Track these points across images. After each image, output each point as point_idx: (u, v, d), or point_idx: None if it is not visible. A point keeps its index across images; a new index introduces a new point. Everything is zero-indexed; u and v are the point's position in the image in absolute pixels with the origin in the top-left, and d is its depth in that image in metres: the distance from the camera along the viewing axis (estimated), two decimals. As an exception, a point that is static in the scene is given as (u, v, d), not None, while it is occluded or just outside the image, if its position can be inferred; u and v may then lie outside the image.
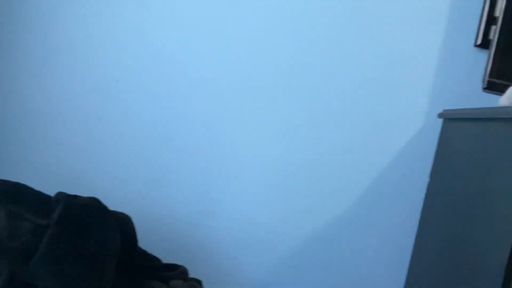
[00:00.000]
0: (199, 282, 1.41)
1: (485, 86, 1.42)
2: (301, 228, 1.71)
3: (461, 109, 1.49)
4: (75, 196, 1.29)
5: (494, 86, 1.41)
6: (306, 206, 1.70)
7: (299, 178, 1.70)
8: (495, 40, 1.41)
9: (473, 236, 1.28)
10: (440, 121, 1.63)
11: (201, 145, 1.70)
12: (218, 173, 1.70)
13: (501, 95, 1.28)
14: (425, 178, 1.63)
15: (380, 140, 1.66)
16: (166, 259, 1.48)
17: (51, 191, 1.31)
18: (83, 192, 1.34)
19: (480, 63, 1.64)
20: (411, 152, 1.65)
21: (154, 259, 1.42)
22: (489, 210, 1.22)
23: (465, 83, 1.66)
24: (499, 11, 1.44)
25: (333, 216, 1.70)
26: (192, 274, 1.48)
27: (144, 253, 1.41)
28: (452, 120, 1.56)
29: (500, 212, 1.15)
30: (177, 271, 1.40)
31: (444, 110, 1.60)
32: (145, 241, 1.44)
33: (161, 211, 1.70)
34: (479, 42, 1.64)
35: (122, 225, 1.31)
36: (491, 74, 1.41)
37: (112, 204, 1.36)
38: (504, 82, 1.40)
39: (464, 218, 1.35)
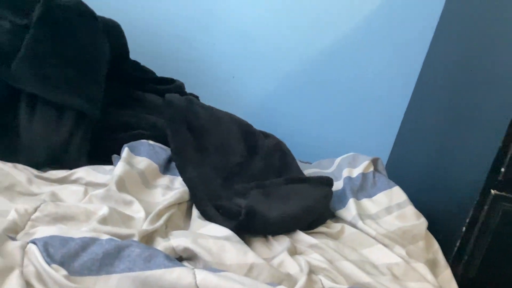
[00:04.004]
0: (195, 97, 1.35)
1: None
2: (305, 45, 1.60)
3: None
4: (57, -3, 1.15)
5: None
6: (312, 22, 1.57)
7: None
8: None
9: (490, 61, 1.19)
10: None
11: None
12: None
13: None
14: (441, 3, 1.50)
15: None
16: (159, 74, 1.40)
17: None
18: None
19: None
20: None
21: (147, 72, 1.34)
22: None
23: None
24: None
25: (340, 33, 1.58)
26: (188, 91, 1.42)
27: (136, 65, 1.32)
28: None
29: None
30: (172, 85, 1.33)
31: None
32: (136, 54, 1.34)
33: (153, 23, 1.56)
34: None
35: (111, 31, 1.20)
36: None
37: (99, 11, 1.23)
38: None
39: (480, 47, 1.25)
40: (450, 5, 1.49)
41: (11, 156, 1.01)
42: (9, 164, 0.99)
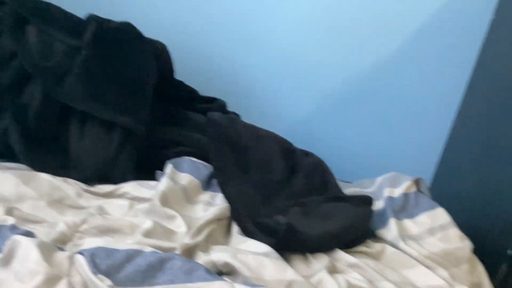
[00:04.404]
0: (237, 115, 1.38)
1: None
2: (345, 64, 1.61)
3: None
4: (108, 20, 1.22)
5: None
6: (353, 41, 1.58)
7: (349, 10, 1.55)
8: None
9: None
10: None
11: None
12: (261, 2, 1.57)
13: None
14: (488, 15, 1.47)
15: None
16: (202, 93, 1.44)
17: (81, 15, 1.24)
18: (115, 18, 1.27)
19: None
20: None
21: (191, 91, 1.38)
22: None
23: None
24: None
25: (381, 52, 1.58)
26: (229, 109, 1.45)
27: (181, 84, 1.36)
28: None
29: None
30: (214, 104, 1.36)
31: None
32: (180, 74, 1.39)
33: (197, 44, 1.61)
34: None
35: (157, 52, 1.25)
36: None
37: (146, 32, 1.28)
38: None
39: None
40: (497, 20, 1.46)
41: (62, 170, 1.06)
42: (60, 178, 1.04)
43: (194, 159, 1.17)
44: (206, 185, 1.13)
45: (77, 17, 1.21)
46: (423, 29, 1.54)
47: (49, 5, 1.20)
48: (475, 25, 1.50)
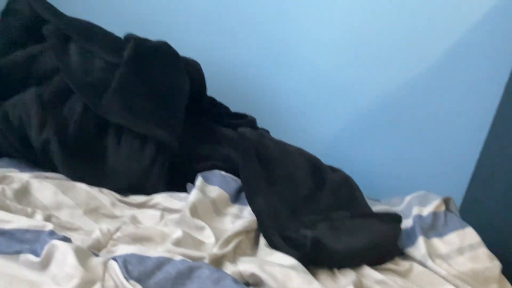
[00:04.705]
0: (266, 131, 1.40)
1: None
2: (376, 83, 1.61)
3: None
4: (145, 39, 1.27)
5: None
6: (384, 60, 1.59)
7: (379, 28, 1.56)
8: None
9: None
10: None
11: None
12: (290, 21, 1.61)
13: None
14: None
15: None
16: (233, 109, 1.47)
17: (120, 34, 1.30)
18: (152, 37, 1.32)
19: None
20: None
21: (222, 107, 1.42)
22: None
23: None
24: None
25: (413, 71, 1.58)
26: (259, 125, 1.48)
27: (212, 100, 1.40)
28: None
29: None
30: (245, 119, 1.39)
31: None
32: (212, 90, 1.43)
33: (229, 61, 1.66)
34: None
35: (191, 70, 1.30)
36: None
37: (181, 51, 1.33)
38: None
39: None
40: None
41: (98, 181, 1.10)
42: (96, 189, 1.09)
43: (224, 172, 1.19)
44: (235, 198, 1.16)
45: (116, 36, 1.27)
46: (454, 47, 1.54)
47: (91, 24, 1.27)
48: (508, 43, 1.49)
